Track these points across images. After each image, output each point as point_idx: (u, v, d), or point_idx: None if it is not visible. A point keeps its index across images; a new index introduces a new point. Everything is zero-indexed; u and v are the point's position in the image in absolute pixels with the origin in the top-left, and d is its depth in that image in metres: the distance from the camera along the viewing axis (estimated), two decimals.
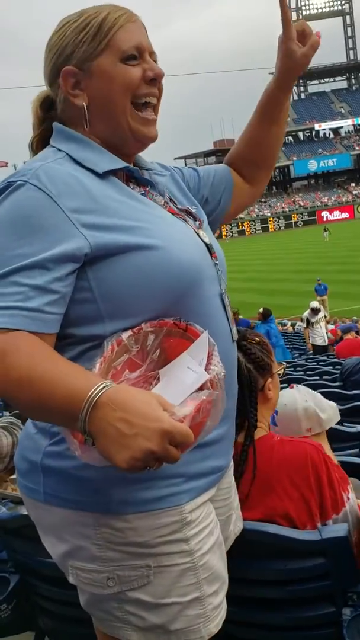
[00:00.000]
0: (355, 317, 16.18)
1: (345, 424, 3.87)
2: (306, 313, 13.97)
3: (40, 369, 0.97)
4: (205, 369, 1.03)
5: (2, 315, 1.02)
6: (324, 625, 1.59)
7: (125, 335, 1.11)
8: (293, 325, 18.58)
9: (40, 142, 1.31)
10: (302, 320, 14.46)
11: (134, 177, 1.28)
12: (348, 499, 1.63)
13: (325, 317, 14.40)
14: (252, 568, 1.60)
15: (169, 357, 1.12)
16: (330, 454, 1.78)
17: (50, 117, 1.30)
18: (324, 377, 7.06)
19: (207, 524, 1.23)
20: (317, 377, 7.02)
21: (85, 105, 1.22)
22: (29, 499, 1.26)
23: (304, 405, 2.00)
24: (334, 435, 3.29)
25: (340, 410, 4.24)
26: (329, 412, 2.05)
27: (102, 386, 0.93)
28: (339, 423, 4.03)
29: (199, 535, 1.20)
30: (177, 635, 1.18)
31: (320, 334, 13.66)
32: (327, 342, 13.68)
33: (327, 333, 13.93)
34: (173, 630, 1.17)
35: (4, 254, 1.06)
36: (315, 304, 14.32)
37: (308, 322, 13.71)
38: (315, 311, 13.75)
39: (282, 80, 1.53)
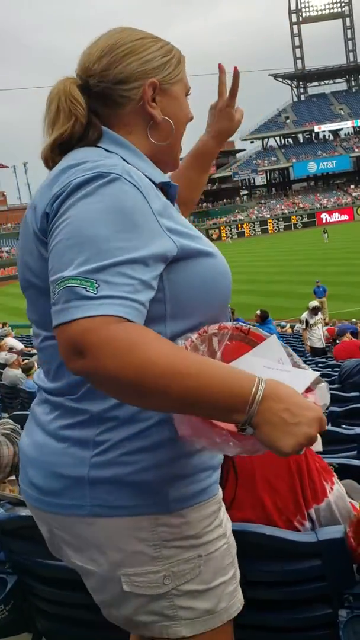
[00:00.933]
0: (354, 319, 16.19)
1: (344, 425, 3.89)
2: (305, 314, 13.95)
3: (206, 363, 1.02)
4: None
5: (117, 304, 1.01)
6: (320, 627, 1.60)
7: (194, 337, 1.17)
8: (292, 327, 18.60)
9: (76, 136, 1.25)
10: (300, 321, 14.44)
11: (168, 193, 1.31)
12: (332, 489, 1.63)
13: (323, 319, 14.40)
14: (248, 569, 1.60)
15: (224, 359, 1.18)
16: None
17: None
18: (323, 379, 7.05)
19: (224, 507, 1.34)
20: None
21: (170, 122, 1.31)
22: (64, 517, 1.21)
23: None
24: (331, 437, 3.31)
25: (338, 413, 4.30)
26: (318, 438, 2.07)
27: (262, 380, 1.01)
28: (336, 425, 4.06)
29: (224, 517, 1.32)
30: (221, 615, 1.26)
31: (318, 336, 13.67)
32: (324, 344, 13.69)
33: (324, 334, 13.94)
34: (219, 611, 1.25)
35: (106, 244, 1.04)
36: (314, 303, 14.32)
37: (307, 323, 13.71)
38: (315, 310, 13.74)
39: (219, 139, 1.74)
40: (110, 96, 1.27)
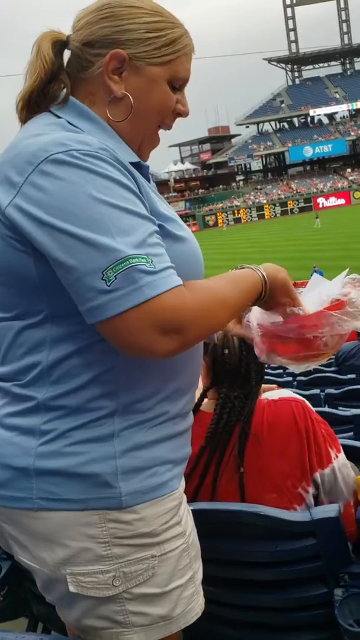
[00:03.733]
0: None
1: (340, 407, 3.88)
2: None
3: (229, 288, 1.17)
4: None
5: (173, 273, 1.05)
6: (315, 606, 1.59)
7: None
8: None
9: (39, 92, 1.18)
10: None
11: (141, 173, 1.22)
12: (337, 456, 1.63)
13: None
14: (242, 550, 1.60)
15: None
16: None
17: (57, 65, 1.19)
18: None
19: (185, 502, 1.26)
20: None
21: (131, 99, 1.18)
22: (10, 510, 1.15)
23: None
24: (328, 419, 3.30)
25: (334, 395, 4.29)
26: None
27: (259, 268, 1.25)
28: (333, 407, 4.06)
29: (185, 515, 1.24)
30: (177, 621, 1.19)
31: None
32: None
33: None
34: (175, 617, 1.18)
35: (129, 217, 1.03)
36: None
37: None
38: None
39: None
40: (78, 57, 1.20)
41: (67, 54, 1.22)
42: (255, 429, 1.64)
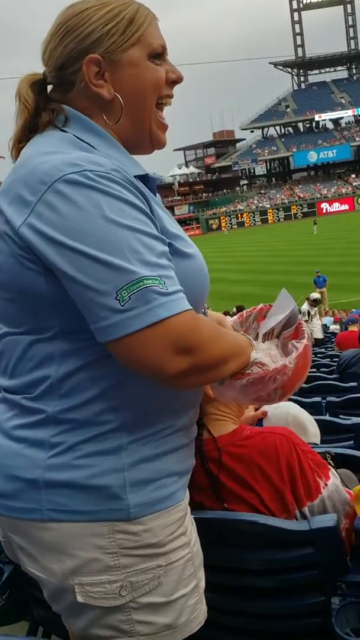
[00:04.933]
0: (353, 310, 16.16)
1: (341, 415, 3.90)
2: (305, 306, 13.84)
3: (229, 335, 1.27)
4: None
5: (184, 297, 1.08)
6: (313, 614, 1.61)
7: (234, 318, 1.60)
8: None
9: (28, 130, 1.21)
10: (302, 313, 14.21)
11: (147, 186, 1.23)
12: (325, 485, 1.62)
13: (324, 309, 14.38)
14: (241, 558, 1.61)
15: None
16: None
17: (42, 101, 1.22)
18: (321, 369, 7.08)
19: (189, 512, 1.29)
20: (315, 370, 7.04)
21: (119, 98, 1.18)
22: (19, 521, 1.17)
23: (295, 411, 2.02)
24: (329, 427, 3.32)
25: (336, 403, 4.31)
26: (316, 429, 2.09)
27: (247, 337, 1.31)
28: (334, 415, 4.07)
29: (190, 525, 1.26)
30: (182, 630, 1.21)
31: (318, 327, 13.64)
32: (324, 335, 13.67)
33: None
34: (179, 625, 1.20)
35: (142, 238, 1.05)
36: (315, 295, 14.26)
37: (308, 314, 13.59)
38: (315, 302, 13.68)
39: None
40: (60, 84, 1.22)
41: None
42: (237, 460, 1.61)
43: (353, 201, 74.73)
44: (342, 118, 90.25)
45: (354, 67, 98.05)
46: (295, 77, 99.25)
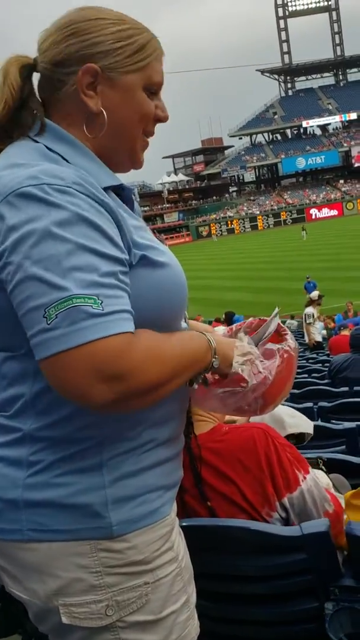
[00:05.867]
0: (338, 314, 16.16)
1: (333, 420, 3.90)
2: (310, 309, 13.54)
3: (179, 348, 1.13)
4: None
5: (126, 319, 1.01)
6: (306, 620, 1.61)
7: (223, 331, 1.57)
8: (283, 322, 18.60)
9: (8, 124, 1.16)
10: (307, 316, 13.79)
11: (122, 195, 1.20)
12: (304, 478, 1.63)
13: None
14: (234, 564, 1.61)
15: None
16: None
17: (27, 91, 1.17)
18: (313, 374, 7.10)
19: (177, 526, 1.25)
20: (306, 375, 7.05)
21: (105, 114, 1.16)
22: (3, 542, 1.13)
23: None
24: (320, 432, 3.32)
25: (327, 408, 4.32)
26: (298, 420, 2.08)
27: (208, 336, 1.20)
28: (326, 420, 4.08)
29: (177, 539, 1.23)
30: None
31: (319, 330, 13.53)
32: (321, 338, 13.62)
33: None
34: None
35: (89, 257, 1.00)
36: (317, 293, 14.11)
37: (312, 317, 13.39)
38: (320, 298, 13.56)
39: None
40: (50, 79, 1.17)
41: (36, 77, 1.20)
42: (217, 455, 1.62)
43: (342, 206, 75.14)
44: (329, 124, 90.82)
45: (340, 73, 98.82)
46: (282, 84, 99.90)
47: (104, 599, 1.09)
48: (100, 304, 0.97)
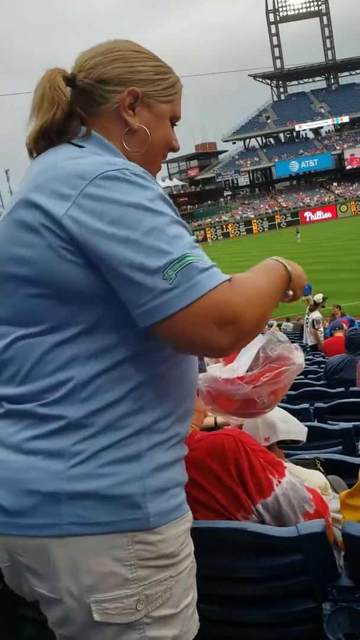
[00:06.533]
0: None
1: (329, 421, 3.90)
2: (317, 313, 13.47)
3: (265, 281, 1.24)
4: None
5: (219, 269, 1.12)
6: (304, 621, 1.60)
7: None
8: (279, 325, 18.63)
9: (59, 127, 1.26)
10: (316, 322, 13.55)
11: None
12: (279, 482, 1.62)
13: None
14: (231, 566, 1.61)
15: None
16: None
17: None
18: (309, 376, 7.10)
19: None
20: (302, 376, 7.06)
21: (146, 130, 1.31)
22: (30, 539, 1.12)
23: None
24: (317, 433, 3.33)
25: (323, 409, 4.32)
26: (291, 427, 2.08)
27: (279, 259, 1.34)
28: (322, 421, 4.08)
29: (190, 536, 1.26)
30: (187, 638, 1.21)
31: (322, 333, 13.46)
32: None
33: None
34: (183, 637, 1.19)
35: (179, 224, 1.12)
36: (321, 295, 14.05)
37: (320, 322, 13.30)
38: (324, 300, 13.52)
39: None
40: (92, 94, 1.29)
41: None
42: (189, 463, 1.62)
43: (336, 209, 75.35)
44: (322, 127, 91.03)
45: (331, 77, 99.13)
46: (274, 89, 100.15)
47: (135, 592, 1.12)
48: (201, 260, 1.08)
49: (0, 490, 1.14)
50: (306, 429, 2.15)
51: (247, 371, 1.68)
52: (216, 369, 1.72)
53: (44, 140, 1.26)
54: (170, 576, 1.16)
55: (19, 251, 1.15)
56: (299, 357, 1.62)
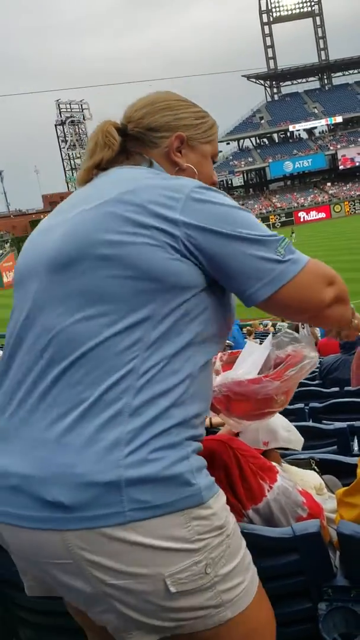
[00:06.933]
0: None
1: (324, 421, 3.91)
2: None
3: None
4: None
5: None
6: (300, 621, 1.61)
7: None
8: (274, 325, 18.64)
9: (107, 160, 1.46)
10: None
11: None
12: (270, 488, 1.63)
13: None
14: None
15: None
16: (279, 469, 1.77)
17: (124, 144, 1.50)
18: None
19: None
20: None
21: (194, 169, 1.51)
22: (93, 532, 1.14)
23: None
24: (312, 433, 3.33)
25: (318, 409, 4.32)
26: (292, 435, 2.09)
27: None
28: (317, 420, 4.08)
29: None
30: (253, 583, 1.33)
31: (318, 333, 13.44)
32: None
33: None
34: (249, 580, 1.31)
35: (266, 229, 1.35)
36: None
37: None
38: None
39: None
40: (143, 139, 1.49)
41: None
42: None
43: (329, 209, 75.55)
44: (315, 128, 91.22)
45: (325, 77, 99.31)
46: (268, 89, 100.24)
47: (202, 558, 1.21)
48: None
49: (54, 487, 1.15)
50: (302, 439, 2.16)
51: (259, 373, 1.71)
52: (231, 374, 1.73)
53: (97, 169, 1.46)
54: (227, 535, 1.27)
55: (100, 235, 1.27)
56: (311, 352, 1.70)
